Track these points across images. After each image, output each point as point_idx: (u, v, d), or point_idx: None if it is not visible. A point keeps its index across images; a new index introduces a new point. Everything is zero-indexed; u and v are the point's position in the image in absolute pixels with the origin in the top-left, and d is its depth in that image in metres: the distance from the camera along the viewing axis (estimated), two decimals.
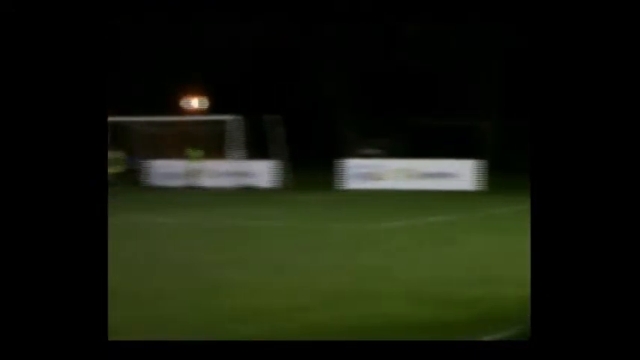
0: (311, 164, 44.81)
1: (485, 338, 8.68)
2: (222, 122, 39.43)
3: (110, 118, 39.90)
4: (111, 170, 35.59)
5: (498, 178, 36.27)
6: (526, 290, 6.46)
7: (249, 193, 35.64)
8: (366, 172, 36.37)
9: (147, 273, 13.61)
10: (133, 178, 39.09)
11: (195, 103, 50.77)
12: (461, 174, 34.69)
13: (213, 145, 40.03)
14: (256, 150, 39.43)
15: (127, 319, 9.85)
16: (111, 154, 35.99)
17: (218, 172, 38.54)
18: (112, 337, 8.53)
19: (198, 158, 37.84)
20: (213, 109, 47.37)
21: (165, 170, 39.19)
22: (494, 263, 14.41)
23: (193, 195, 34.19)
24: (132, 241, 18.18)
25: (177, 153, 38.73)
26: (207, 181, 37.92)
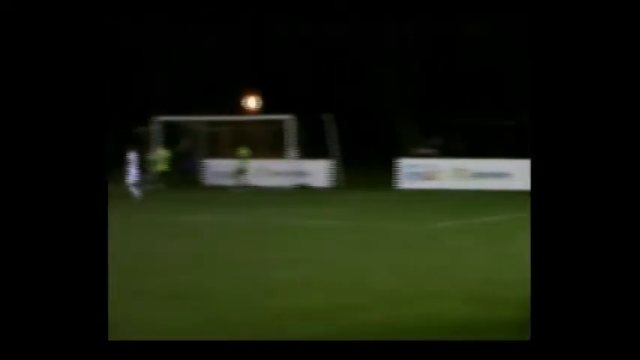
0: (366, 163, 44.79)
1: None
2: (278, 122, 39.56)
3: (164, 118, 40.20)
4: (157, 169, 35.84)
5: None
6: None
7: (304, 192, 35.73)
8: (420, 172, 36.28)
9: (200, 272, 13.72)
10: (190, 177, 39.39)
11: (252, 102, 50.99)
12: (515, 173, 34.44)
13: (270, 145, 40.20)
14: (312, 149, 39.50)
15: (178, 319, 9.96)
16: (156, 154, 36.21)
17: (274, 172, 38.71)
18: (171, 337, 8.64)
19: (246, 158, 38.02)
20: (268, 109, 47.51)
21: (221, 169, 39.42)
22: None
23: (247, 194, 34.36)
24: (185, 241, 18.35)
25: (234, 152, 38.96)
26: (263, 180, 38.09)
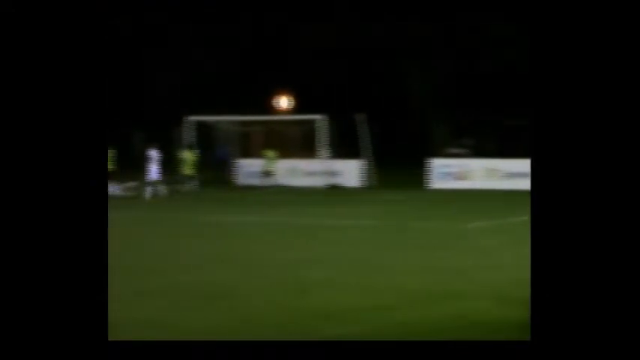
0: (398, 163, 44.73)
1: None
2: (310, 121, 39.60)
3: (196, 117, 40.28)
4: (184, 170, 35.90)
5: None
6: None
7: (335, 192, 35.76)
8: (451, 172, 36.21)
9: (231, 272, 13.77)
10: (221, 177, 39.51)
11: (284, 102, 51.05)
12: None
13: (301, 145, 40.26)
14: (343, 149, 39.51)
15: (208, 319, 10.01)
16: (185, 155, 36.26)
17: (305, 171, 38.77)
18: (206, 336, 8.69)
19: (272, 159, 38.11)
20: (300, 109, 47.57)
21: (252, 169, 39.53)
22: None
23: (278, 194, 34.45)
24: (215, 240, 18.43)
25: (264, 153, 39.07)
26: (294, 180, 38.17)
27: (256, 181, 38.34)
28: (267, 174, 37.89)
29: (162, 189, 31.80)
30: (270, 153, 38.27)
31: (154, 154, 32.24)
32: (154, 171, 31.81)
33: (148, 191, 31.37)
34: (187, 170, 35.88)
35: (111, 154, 35.54)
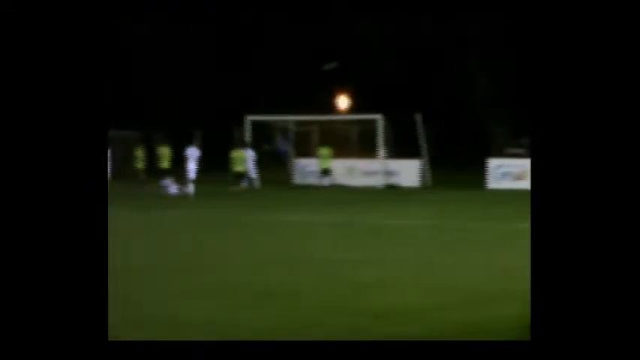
0: (456, 163, 44.57)
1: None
2: (367, 121, 39.60)
3: (253, 117, 40.49)
4: (235, 169, 36.02)
5: None
6: None
7: (393, 191, 35.75)
8: (510, 172, 36.01)
9: (287, 272, 13.81)
10: (279, 176, 39.70)
11: (342, 102, 51.16)
12: None
13: (359, 144, 40.32)
14: (400, 149, 39.47)
15: (265, 318, 10.05)
16: (236, 153, 36.39)
17: (363, 171, 38.81)
18: (258, 337, 8.73)
19: (327, 158, 38.16)
20: (357, 108, 47.60)
21: (310, 169, 39.66)
22: None
23: (336, 193, 34.51)
24: (272, 239, 18.52)
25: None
26: (352, 180, 38.24)
27: (314, 181, 38.47)
28: (324, 172, 37.96)
29: (191, 187, 31.55)
30: (324, 151, 38.34)
31: (192, 152, 32.12)
32: (192, 169, 31.63)
33: (191, 189, 31.39)
34: (238, 168, 36.01)
35: (167, 152, 35.82)
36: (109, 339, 6.22)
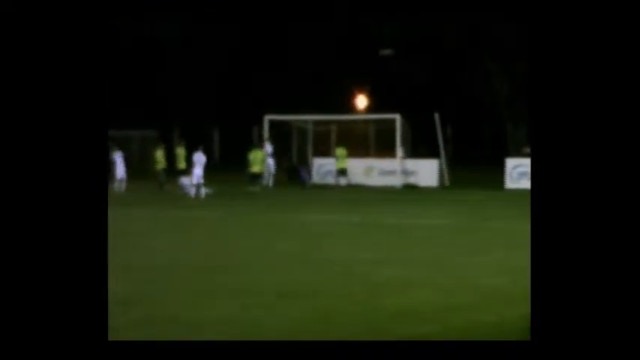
0: (474, 163, 44.50)
1: None
2: (386, 121, 39.57)
3: (271, 117, 40.53)
4: (252, 169, 36.01)
5: None
6: None
7: (411, 191, 35.75)
8: (526, 171, 35.96)
9: (306, 271, 13.87)
10: (297, 176, 39.70)
11: (362, 101, 51.14)
12: None
13: (377, 144, 40.31)
14: (418, 148, 39.47)
15: (286, 318, 10.11)
16: (254, 153, 36.38)
17: (381, 171, 38.82)
18: (279, 336, 8.78)
19: (343, 157, 38.17)
20: (375, 108, 47.60)
21: (328, 168, 39.69)
22: None
23: (355, 192, 34.54)
24: (290, 239, 18.57)
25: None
26: (370, 180, 38.28)
27: (331, 180, 38.54)
28: (341, 172, 38.01)
29: (202, 191, 31.45)
30: (340, 151, 38.38)
31: (198, 157, 32.05)
32: (197, 174, 31.47)
33: (195, 191, 31.31)
34: (256, 168, 36.02)
35: (183, 153, 35.91)
36: (133, 339, 6.25)
